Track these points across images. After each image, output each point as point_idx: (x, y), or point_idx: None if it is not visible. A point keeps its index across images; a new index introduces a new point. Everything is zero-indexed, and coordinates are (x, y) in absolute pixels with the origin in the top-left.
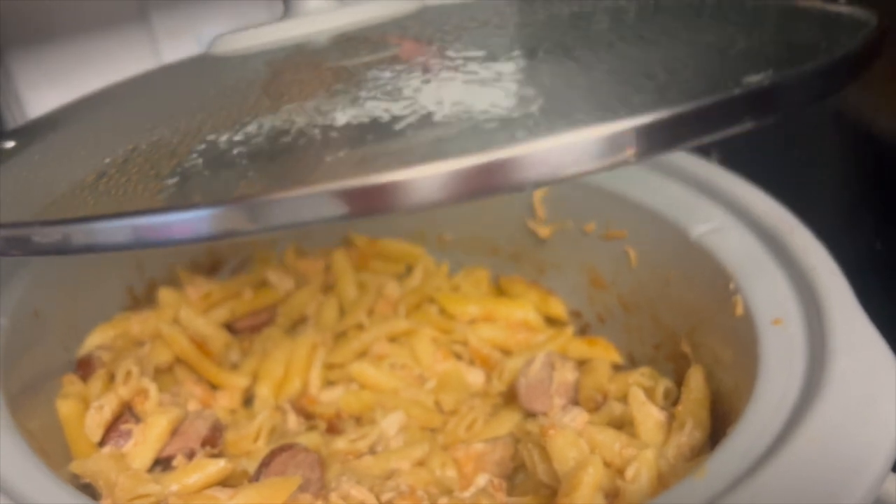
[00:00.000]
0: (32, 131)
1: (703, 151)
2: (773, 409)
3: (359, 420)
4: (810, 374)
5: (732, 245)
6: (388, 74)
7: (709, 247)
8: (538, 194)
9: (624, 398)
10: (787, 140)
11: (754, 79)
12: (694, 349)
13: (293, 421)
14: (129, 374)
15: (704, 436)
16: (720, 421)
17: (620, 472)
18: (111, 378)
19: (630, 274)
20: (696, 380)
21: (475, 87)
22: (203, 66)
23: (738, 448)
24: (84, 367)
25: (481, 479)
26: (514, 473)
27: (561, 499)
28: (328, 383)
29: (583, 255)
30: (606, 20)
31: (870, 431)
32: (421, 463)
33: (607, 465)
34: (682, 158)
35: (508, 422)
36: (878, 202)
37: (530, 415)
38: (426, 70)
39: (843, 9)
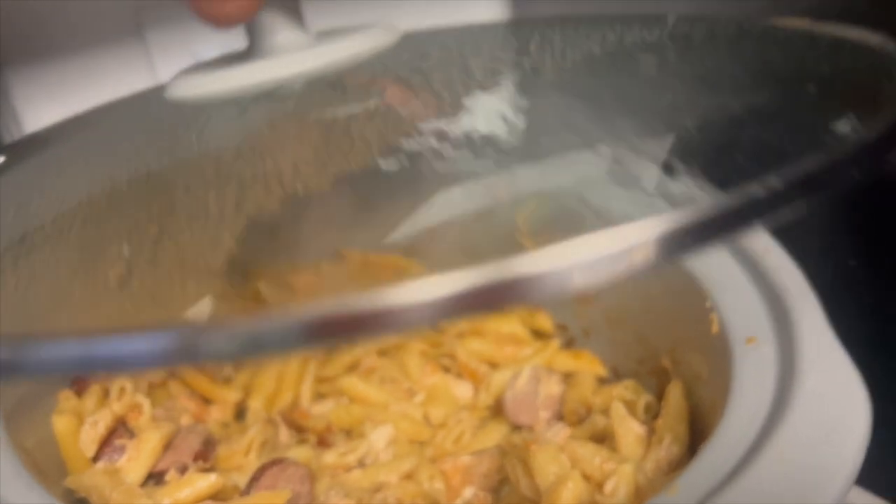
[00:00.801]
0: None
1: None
2: (744, 427)
3: (349, 433)
4: (780, 393)
5: (710, 263)
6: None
7: (688, 265)
8: (523, 214)
9: (607, 411)
10: None
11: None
12: (674, 365)
13: (284, 434)
14: (122, 390)
15: (682, 450)
16: (698, 436)
17: (600, 486)
18: (105, 394)
19: (615, 289)
20: (674, 395)
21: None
22: (165, 116)
23: (708, 465)
24: (79, 383)
25: (468, 492)
26: (500, 486)
27: None
28: (319, 396)
29: None
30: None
31: (834, 448)
32: (409, 476)
33: (587, 478)
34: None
35: (495, 434)
36: (852, 221)
37: (517, 427)
38: (414, 126)
39: (855, 34)
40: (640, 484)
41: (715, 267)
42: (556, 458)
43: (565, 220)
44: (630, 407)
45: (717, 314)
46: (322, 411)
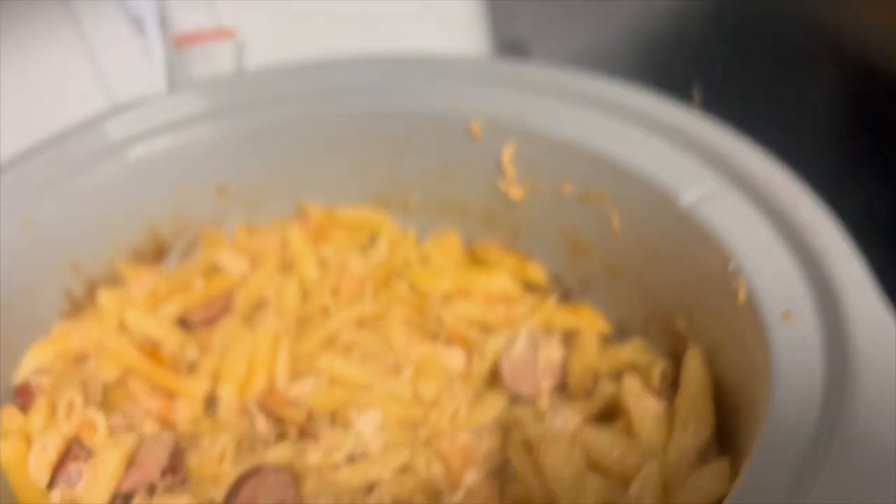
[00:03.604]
0: None
1: (685, 85)
2: (797, 426)
3: (333, 418)
4: (832, 390)
5: (729, 217)
6: None
7: (702, 219)
8: (507, 154)
9: (616, 375)
10: (778, 78)
11: None
12: (691, 329)
13: (262, 424)
14: (71, 405)
15: (709, 433)
16: (725, 416)
17: (621, 480)
18: (54, 408)
19: (613, 240)
20: (694, 365)
21: None
22: None
23: (765, 475)
24: (23, 396)
25: (470, 476)
26: (504, 466)
27: None
28: (296, 375)
29: (560, 218)
30: None
31: None
32: (404, 468)
33: (605, 472)
34: (665, 109)
35: (494, 407)
36: (875, 148)
37: (517, 398)
38: None
39: None
40: (667, 478)
41: (736, 220)
42: (570, 457)
43: (553, 162)
44: (643, 374)
45: (745, 281)
46: (300, 393)
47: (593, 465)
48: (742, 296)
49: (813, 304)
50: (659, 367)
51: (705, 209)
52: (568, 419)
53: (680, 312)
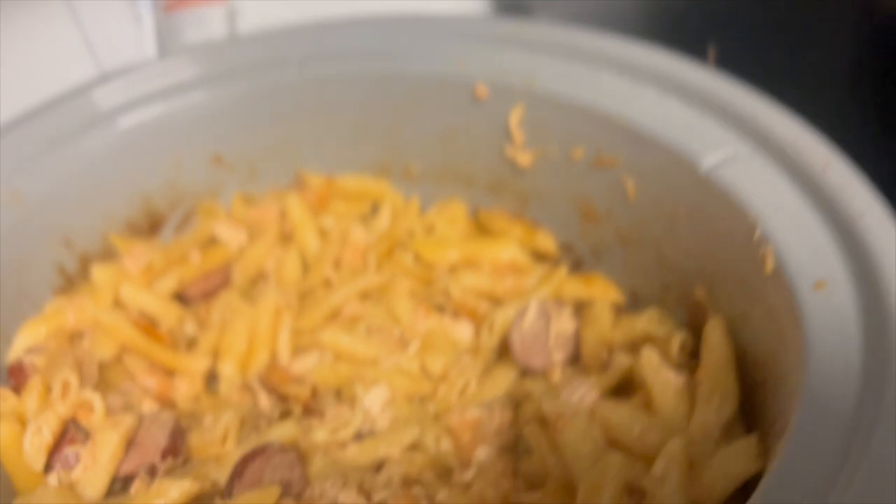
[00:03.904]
0: None
1: (699, 43)
2: (832, 412)
3: (338, 394)
4: (872, 362)
5: (753, 182)
6: None
7: (724, 184)
8: (514, 117)
9: (631, 347)
10: (797, 32)
11: None
12: (711, 299)
13: (265, 401)
14: (66, 385)
15: (734, 407)
16: (749, 389)
17: (643, 458)
18: (48, 388)
19: (628, 207)
20: (716, 336)
21: None
22: None
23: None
24: (16, 376)
25: (481, 452)
26: (516, 442)
27: None
28: (299, 350)
29: (571, 185)
30: None
31: None
32: (413, 445)
33: (626, 450)
34: (681, 67)
35: (503, 380)
36: None
37: (528, 371)
38: None
39: None
40: (691, 457)
41: (761, 185)
42: (589, 434)
43: (563, 126)
44: (660, 346)
45: (773, 248)
46: (304, 368)
47: (612, 442)
48: (770, 264)
49: (847, 273)
50: (678, 339)
51: (727, 173)
52: (585, 394)
53: (699, 281)
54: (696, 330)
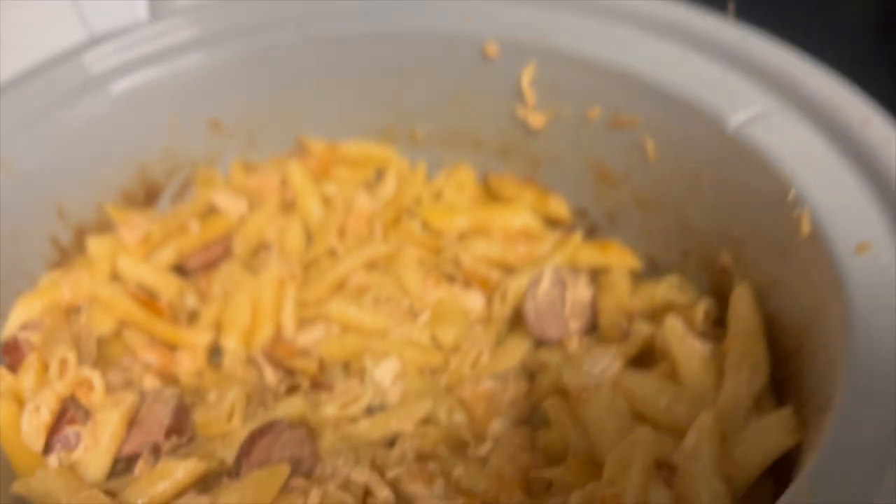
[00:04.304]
0: None
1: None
2: (883, 382)
3: (346, 367)
4: None
5: (785, 140)
6: None
7: (753, 142)
8: (526, 76)
9: (651, 315)
10: None
11: None
12: (738, 263)
13: (270, 375)
14: (64, 361)
15: (765, 377)
16: (782, 358)
17: (671, 432)
18: (45, 366)
19: (647, 169)
20: (744, 303)
21: None
22: None
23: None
24: (11, 354)
25: (496, 424)
26: (531, 414)
27: (606, 489)
28: (304, 322)
29: (586, 147)
30: None
31: None
32: (426, 419)
33: (653, 424)
34: (703, 20)
35: (517, 351)
36: None
37: (543, 342)
38: None
39: None
40: (722, 430)
41: (794, 143)
42: (614, 406)
43: (578, 85)
44: (684, 315)
45: (809, 210)
46: (310, 341)
47: (638, 416)
48: (806, 227)
49: (892, 234)
50: (703, 306)
51: (756, 131)
52: (608, 365)
53: (725, 246)
54: (719, 297)
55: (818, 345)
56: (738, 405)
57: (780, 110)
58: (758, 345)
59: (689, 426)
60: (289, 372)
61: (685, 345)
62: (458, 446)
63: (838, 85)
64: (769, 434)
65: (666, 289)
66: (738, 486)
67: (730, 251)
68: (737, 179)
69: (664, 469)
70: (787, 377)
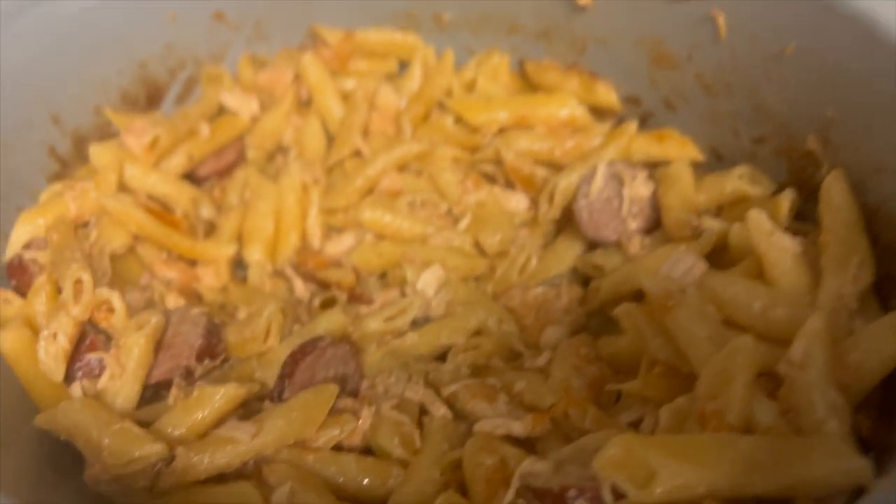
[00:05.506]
0: None
1: None
2: None
3: (382, 278)
4: None
5: None
6: None
7: (857, 5)
8: None
9: (718, 210)
10: None
11: None
12: (827, 148)
13: (301, 289)
14: (79, 282)
15: (872, 275)
16: (884, 254)
17: (768, 339)
18: (57, 288)
19: (716, 48)
20: (839, 192)
21: None
22: None
23: None
24: (17, 275)
25: (550, 334)
26: (588, 321)
27: (706, 403)
28: (331, 231)
29: (641, 25)
30: None
31: None
32: (478, 331)
33: (748, 331)
34: None
35: (568, 254)
36: None
37: (598, 244)
38: None
39: None
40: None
41: None
42: (703, 314)
43: None
44: (767, 208)
45: None
46: (340, 251)
47: (728, 322)
48: None
49: None
50: (787, 197)
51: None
52: (691, 266)
53: (811, 129)
54: (800, 188)
55: None
56: (843, 307)
57: None
58: (859, 238)
59: (788, 332)
60: (321, 285)
61: (774, 241)
62: (512, 358)
63: None
64: (886, 339)
65: (736, 180)
66: (855, 395)
67: (817, 135)
68: (832, 52)
69: (764, 380)
70: (891, 275)
